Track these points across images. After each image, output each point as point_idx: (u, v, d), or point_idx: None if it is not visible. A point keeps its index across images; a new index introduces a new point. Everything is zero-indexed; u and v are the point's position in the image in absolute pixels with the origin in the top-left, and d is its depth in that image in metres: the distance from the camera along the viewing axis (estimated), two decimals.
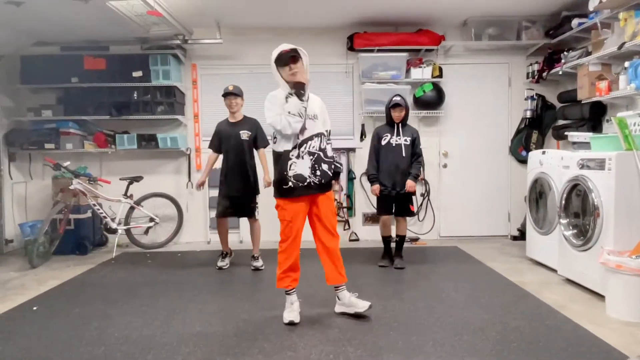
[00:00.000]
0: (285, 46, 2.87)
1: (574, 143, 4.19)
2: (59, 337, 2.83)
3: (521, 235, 5.35)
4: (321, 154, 2.97)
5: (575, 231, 3.74)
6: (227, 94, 4.22)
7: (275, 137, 3.03)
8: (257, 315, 3.16)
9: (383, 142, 4.28)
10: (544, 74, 5.33)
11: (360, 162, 5.63)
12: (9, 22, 4.62)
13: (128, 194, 5.14)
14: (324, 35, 5.48)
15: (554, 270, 4.00)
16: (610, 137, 3.50)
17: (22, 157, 5.55)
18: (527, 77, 5.62)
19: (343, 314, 3.12)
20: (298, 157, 2.94)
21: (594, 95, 4.35)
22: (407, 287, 3.76)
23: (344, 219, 5.61)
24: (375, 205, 4.54)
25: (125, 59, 5.33)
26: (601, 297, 3.26)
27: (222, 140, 4.31)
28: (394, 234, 4.44)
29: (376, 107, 5.41)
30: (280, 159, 2.97)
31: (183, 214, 5.54)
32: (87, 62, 5.30)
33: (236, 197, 4.28)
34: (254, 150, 4.35)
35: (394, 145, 4.24)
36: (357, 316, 3.06)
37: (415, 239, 5.57)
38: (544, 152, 4.33)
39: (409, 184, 4.19)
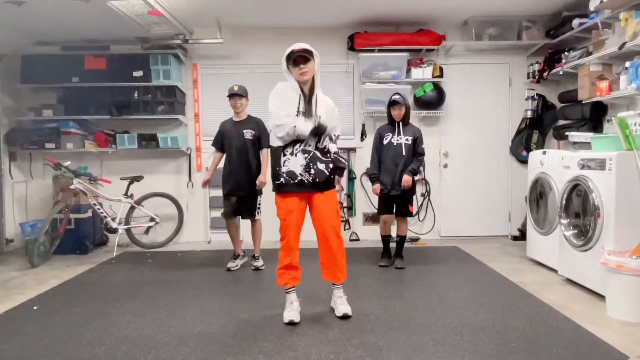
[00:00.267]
0: (298, 45, 2.86)
1: (574, 143, 4.18)
2: (59, 336, 2.83)
3: (521, 236, 5.35)
4: (318, 153, 2.94)
5: (575, 231, 3.74)
6: (232, 95, 4.21)
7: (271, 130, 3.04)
8: (257, 315, 3.16)
9: (385, 142, 4.27)
10: (545, 74, 5.33)
11: (361, 162, 5.64)
12: (10, 22, 4.62)
13: (128, 194, 5.14)
14: (325, 35, 5.48)
15: (555, 271, 4.00)
16: (610, 137, 3.50)
17: (23, 156, 5.56)
18: (528, 77, 5.62)
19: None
20: (292, 154, 2.94)
21: (594, 96, 4.35)
22: (407, 287, 3.76)
23: (344, 219, 5.61)
24: (375, 204, 4.55)
25: (125, 58, 5.33)
26: (601, 297, 3.26)
27: (226, 139, 4.31)
28: (394, 234, 4.44)
29: (376, 107, 5.42)
30: (275, 154, 2.99)
31: (183, 214, 5.55)
32: (88, 62, 5.31)
33: (239, 197, 4.27)
34: (258, 149, 4.34)
35: (394, 144, 4.24)
36: (355, 314, 3.06)
37: (416, 239, 5.57)
38: (544, 152, 4.33)
39: (405, 178, 4.15)
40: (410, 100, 5.49)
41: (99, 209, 4.97)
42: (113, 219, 5.03)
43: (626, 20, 3.84)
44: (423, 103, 5.49)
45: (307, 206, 3.08)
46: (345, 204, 5.65)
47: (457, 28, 5.57)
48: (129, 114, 5.34)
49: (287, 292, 3.11)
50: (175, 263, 4.72)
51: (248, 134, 4.24)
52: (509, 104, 5.71)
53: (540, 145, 5.50)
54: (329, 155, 3.01)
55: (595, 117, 4.59)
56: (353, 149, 5.62)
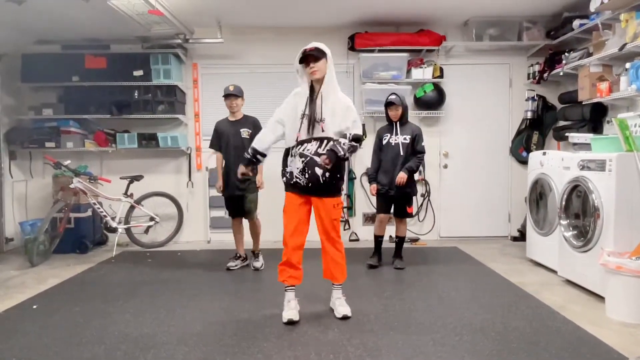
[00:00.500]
0: (311, 45, 2.92)
1: (574, 144, 4.19)
2: (59, 335, 2.83)
3: (521, 236, 5.35)
4: (317, 158, 2.92)
5: (575, 232, 3.74)
6: (228, 95, 4.21)
7: None
8: (257, 314, 3.15)
9: (384, 142, 4.28)
10: (545, 75, 5.34)
11: (361, 162, 5.64)
12: (11, 21, 4.62)
13: (128, 193, 5.13)
14: (325, 35, 5.46)
15: (554, 271, 4.00)
16: (610, 139, 3.50)
17: (23, 155, 5.56)
18: (528, 78, 5.62)
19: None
20: (294, 155, 3.00)
21: (594, 97, 4.35)
22: (407, 287, 3.76)
23: (344, 219, 5.61)
24: (375, 204, 4.55)
25: (126, 57, 5.33)
26: (601, 298, 3.26)
27: (222, 138, 4.30)
28: (387, 236, 4.42)
29: (377, 107, 5.41)
30: (284, 154, 3.10)
31: (183, 213, 5.55)
32: (88, 61, 5.31)
33: (236, 197, 4.26)
34: None
35: (392, 144, 4.24)
36: (355, 314, 3.06)
37: (415, 240, 5.57)
38: (544, 153, 4.33)
39: (400, 175, 4.11)
40: (411, 101, 5.51)
41: (98, 208, 4.96)
42: (113, 219, 5.02)
43: (627, 21, 3.84)
44: (423, 103, 5.49)
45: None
46: (345, 204, 5.65)
47: (457, 28, 5.57)
48: (129, 113, 5.34)
49: (285, 290, 3.12)
50: (175, 262, 4.72)
51: (245, 133, 4.23)
52: (509, 105, 5.71)
53: (540, 146, 5.50)
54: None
55: (595, 118, 4.59)
56: None
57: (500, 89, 5.71)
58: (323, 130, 2.94)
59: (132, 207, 5.19)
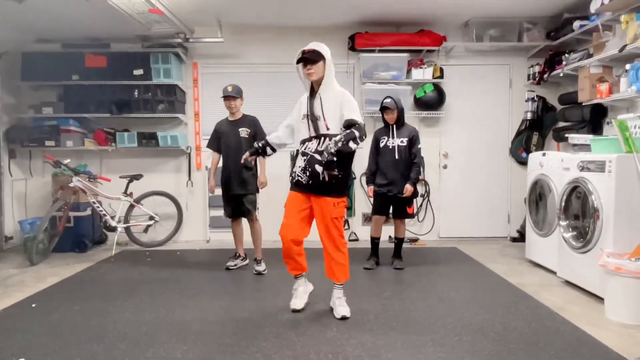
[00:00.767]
0: (309, 45, 2.98)
1: (574, 145, 4.19)
2: (58, 334, 2.83)
3: (521, 237, 5.35)
4: (317, 155, 2.93)
5: (574, 233, 3.74)
6: (226, 96, 4.19)
7: None
8: (256, 314, 3.15)
9: (381, 145, 4.29)
10: (545, 76, 5.34)
11: (360, 162, 5.63)
12: (11, 19, 4.61)
13: (128, 192, 5.13)
14: (325, 35, 5.44)
15: (553, 272, 4.00)
16: (610, 140, 3.51)
17: (22, 154, 5.55)
18: (528, 79, 5.62)
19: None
20: (298, 155, 3.10)
21: (594, 98, 4.35)
22: (406, 288, 3.76)
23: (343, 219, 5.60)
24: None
25: (126, 56, 5.33)
26: (600, 299, 3.26)
27: (222, 139, 4.29)
28: (389, 235, 4.43)
29: (377, 108, 5.33)
30: (295, 155, 3.26)
31: (183, 213, 5.54)
32: (88, 60, 5.30)
33: (235, 196, 4.26)
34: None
35: (390, 147, 4.24)
36: (354, 314, 3.07)
37: (415, 240, 5.57)
38: (544, 154, 4.33)
39: (406, 188, 4.18)
40: (410, 101, 5.51)
41: (98, 207, 4.96)
42: (112, 217, 5.02)
43: (627, 22, 3.84)
44: (423, 104, 5.49)
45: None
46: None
47: (458, 29, 5.57)
48: (129, 112, 5.34)
49: (295, 278, 3.24)
50: (174, 262, 4.72)
51: (243, 132, 4.22)
52: (509, 106, 5.72)
53: (540, 146, 5.50)
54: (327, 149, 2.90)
55: (595, 119, 4.59)
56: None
57: (500, 90, 5.71)
58: (328, 128, 2.97)
59: (131, 206, 5.19)
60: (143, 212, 5.24)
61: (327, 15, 5.16)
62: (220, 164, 4.39)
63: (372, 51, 5.40)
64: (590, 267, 3.39)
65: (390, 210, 4.37)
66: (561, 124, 5.35)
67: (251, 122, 4.28)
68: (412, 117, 5.42)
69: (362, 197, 5.73)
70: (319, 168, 2.92)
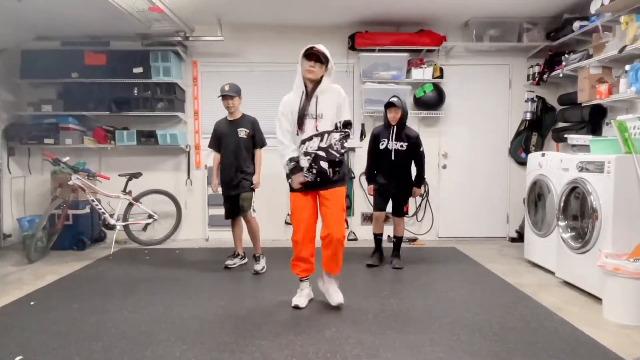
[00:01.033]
0: (320, 46, 3.01)
1: (573, 146, 4.19)
2: (56, 331, 2.82)
3: (519, 237, 5.35)
4: (321, 152, 3.00)
5: (573, 234, 3.75)
6: (223, 96, 4.16)
7: None
8: (255, 313, 3.15)
9: (381, 147, 4.27)
10: (545, 76, 5.34)
11: (360, 162, 5.63)
12: (10, 17, 4.61)
13: (127, 190, 5.12)
14: (325, 34, 5.47)
15: (552, 273, 4.00)
16: (609, 140, 3.51)
17: (21, 151, 5.55)
18: (528, 79, 5.62)
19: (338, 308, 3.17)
20: (300, 155, 3.10)
21: (594, 98, 4.36)
22: (405, 287, 3.76)
23: None
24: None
25: (125, 54, 5.32)
26: (599, 299, 3.26)
27: (221, 138, 4.28)
28: (387, 233, 4.44)
29: (376, 107, 5.41)
30: None
31: (182, 211, 5.54)
32: (88, 58, 5.30)
33: (232, 196, 4.24)
34: (253, 148, 4.30)
35: (390, 150, 4.24)
36: (353, 313, 3.07)
37: (414, 240, 5.57)
38: (543, 154, 4.33)
39: (414, 190, 4.36)
40: (410, 101, 5.51)
41: (97, 205, 4.95)
42: (111, 216, 5.01)
43: (627, 23, 3.85)
44: (423, 103, 5.50)
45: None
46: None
47: (457, 29, 5.58)
48: (129, 110, 5.34)
49: (300, 281, 3.26)
50: (173, 260, 4.71)
51: (242, 132, 4.19)
52: (508, 106, 5.72)
53: (539, 147, 5.51)
54: (333, 151, 3.04)
55: (594, 120, 4.60)
56: (352, 149, 5.62)
57: (500, 90, 5.71)
58: (320, 125, 3.02)
59: (130, 205, 5.18)
60: (142, 210, 5.23)
61: (327, 14, 5.16)
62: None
63: (372, 51, 5.39)
64: (588, 268, 3.39)
65: (389, 210, 4.40)
66: (560, 125, 5.35)
67: (250, 123, 4.25)
68: (411, 117, 5.41)
69: (361, 197, 5.73)
70: (324, 164, 2.98)
